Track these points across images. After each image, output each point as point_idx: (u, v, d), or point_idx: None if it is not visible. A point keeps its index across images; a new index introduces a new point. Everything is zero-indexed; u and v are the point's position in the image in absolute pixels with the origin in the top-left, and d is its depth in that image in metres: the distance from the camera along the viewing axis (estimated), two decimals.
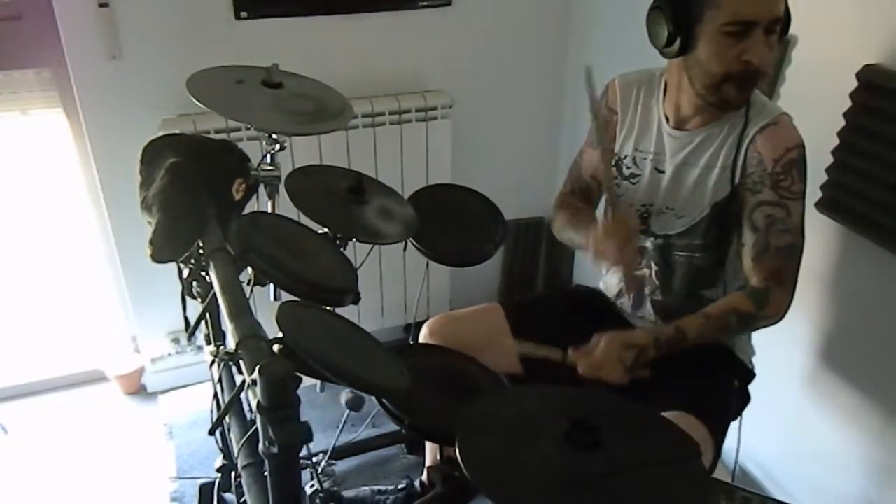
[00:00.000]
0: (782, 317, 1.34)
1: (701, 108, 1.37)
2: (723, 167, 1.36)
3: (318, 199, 1.50)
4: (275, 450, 0.90)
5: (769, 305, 1.31)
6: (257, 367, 0.88)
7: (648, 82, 1.47)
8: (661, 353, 1.32)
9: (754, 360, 1.55)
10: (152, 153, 1.41)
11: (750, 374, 1.52)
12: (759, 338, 1.53)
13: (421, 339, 1.65)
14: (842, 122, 1.49)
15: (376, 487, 1.92)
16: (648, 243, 1.49)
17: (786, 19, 1.27)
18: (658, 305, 1.52)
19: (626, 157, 1.50)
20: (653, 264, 1.50)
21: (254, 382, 0.90)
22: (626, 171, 1.50)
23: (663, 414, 1.17)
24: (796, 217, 1.32)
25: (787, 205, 1.31)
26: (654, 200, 1.47)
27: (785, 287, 1.33)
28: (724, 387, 1.45)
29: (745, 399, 1.50)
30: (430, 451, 1.78)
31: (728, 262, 1.44)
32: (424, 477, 1.86)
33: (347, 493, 1.88)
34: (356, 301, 1.30)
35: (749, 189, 1.34)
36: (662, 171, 1.45)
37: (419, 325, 1.69)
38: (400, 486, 1.89)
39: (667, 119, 1.44)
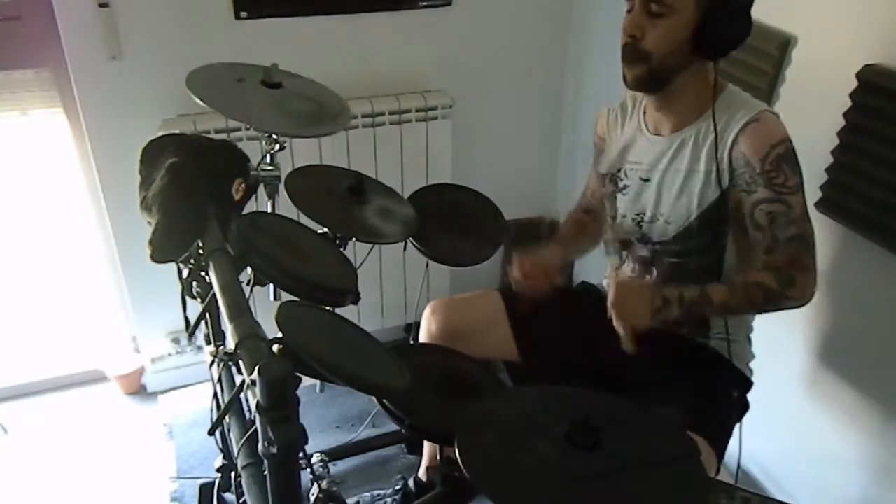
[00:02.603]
0: (809, 299, 1.32)
1: (659, 106, 1.41)
2: (707, 171, 1.36)
3: (318, 199, 1.50)
4: (274, 450, 0.90)
5: (794, 287, 1.30)
6: (257, 368, 0.88)
7: (630, 99, 1.52)
8: (684, 314, 1.31)
9: (753, 364, 1.54)
10: (152, 153, 1.41)
11: (748, 383, 1.52)
12: (759, 338, 1.53)
13: (423, 320, 1.68)
14: (842, 122, 1.49)
15: (375, 492, 1.92)
16: (646, 251, 1.49)
17: (702, 17, 1.25)
18: None
19: (619, 171, 1.52)
20: (654, 270, 1.50)
21: (253, 383, 0.90)
22: (620, 184, 1.51)
23: None
24: (798, 208, 1.31)
25: (785, 199, 1.30)
26: (644, 209, 1.47)
27: (806, 272, 1.31)
28: (724, 399, 1.45)
29: (744, 408, 1.50)
30: (429, 450, 1.78)
31: (725, 262, 1.43)
32: (421, 473, 1.86)
33: (349, 502, 1.87)
34: (356, 301, 1.30)
35: (743, 191, 1.33)
36: (648, 180, 1.46)
37: (419, 325, 1.70)
38: (397, 488, 1.90)
39: (647, 128, 1.46)
